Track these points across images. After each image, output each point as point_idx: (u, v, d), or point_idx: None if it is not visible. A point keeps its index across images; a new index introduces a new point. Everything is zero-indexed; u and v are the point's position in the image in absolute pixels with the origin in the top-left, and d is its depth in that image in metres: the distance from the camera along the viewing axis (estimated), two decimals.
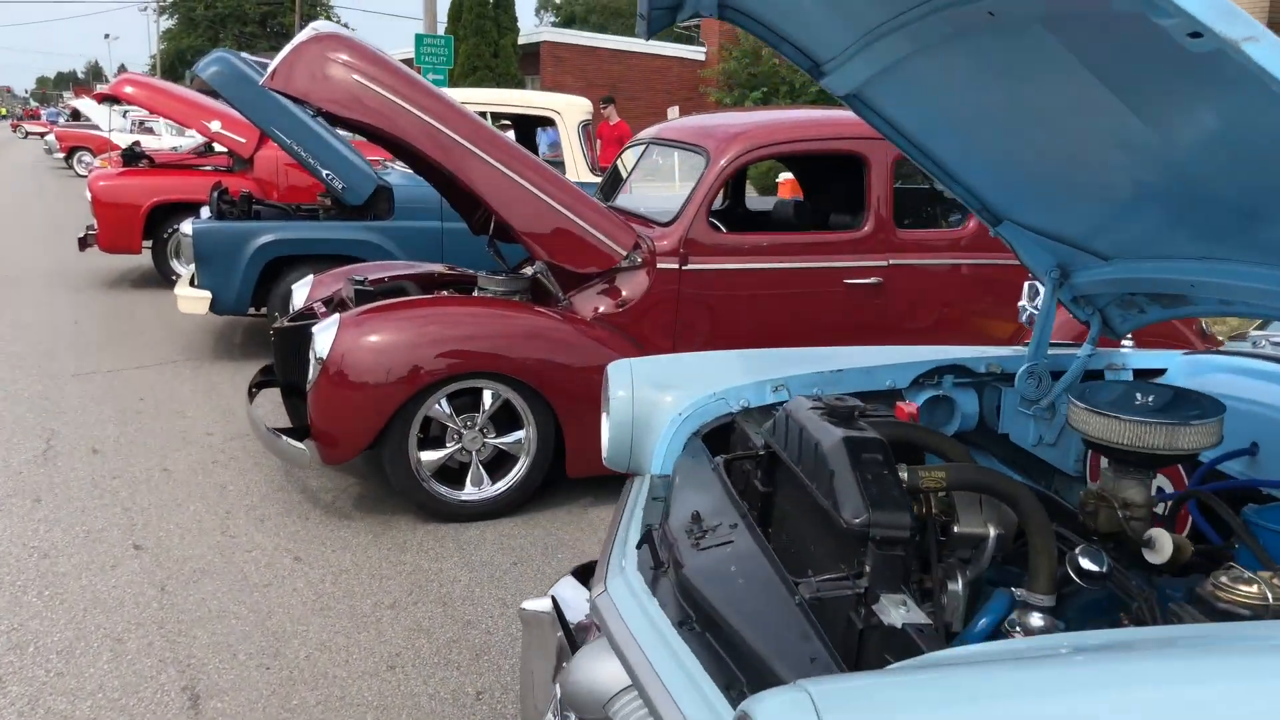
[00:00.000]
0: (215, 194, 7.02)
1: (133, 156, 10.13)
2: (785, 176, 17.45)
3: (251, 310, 6.87)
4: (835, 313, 4.58)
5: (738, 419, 2.32)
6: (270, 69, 4.33)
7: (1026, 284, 2.63)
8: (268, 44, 56.78)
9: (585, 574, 2.15)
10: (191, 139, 21.59)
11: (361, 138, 5.11)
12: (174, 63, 55.06)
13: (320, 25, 4.40)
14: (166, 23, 58.66)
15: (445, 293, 4.82)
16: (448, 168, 4.26)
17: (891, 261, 4.61)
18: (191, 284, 6.81)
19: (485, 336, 4.14)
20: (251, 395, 4.78)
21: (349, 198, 6.69)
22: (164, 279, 9.52)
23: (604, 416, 2.49)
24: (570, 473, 4.28)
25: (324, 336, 4.02)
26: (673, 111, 20.34)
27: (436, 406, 4.09)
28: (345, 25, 49.08)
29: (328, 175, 6.60)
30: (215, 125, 9.32)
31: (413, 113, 4.22)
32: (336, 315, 4.13)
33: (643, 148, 5.19)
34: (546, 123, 7.69)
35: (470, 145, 4.25)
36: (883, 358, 2.52)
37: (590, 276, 4.49)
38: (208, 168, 10.33)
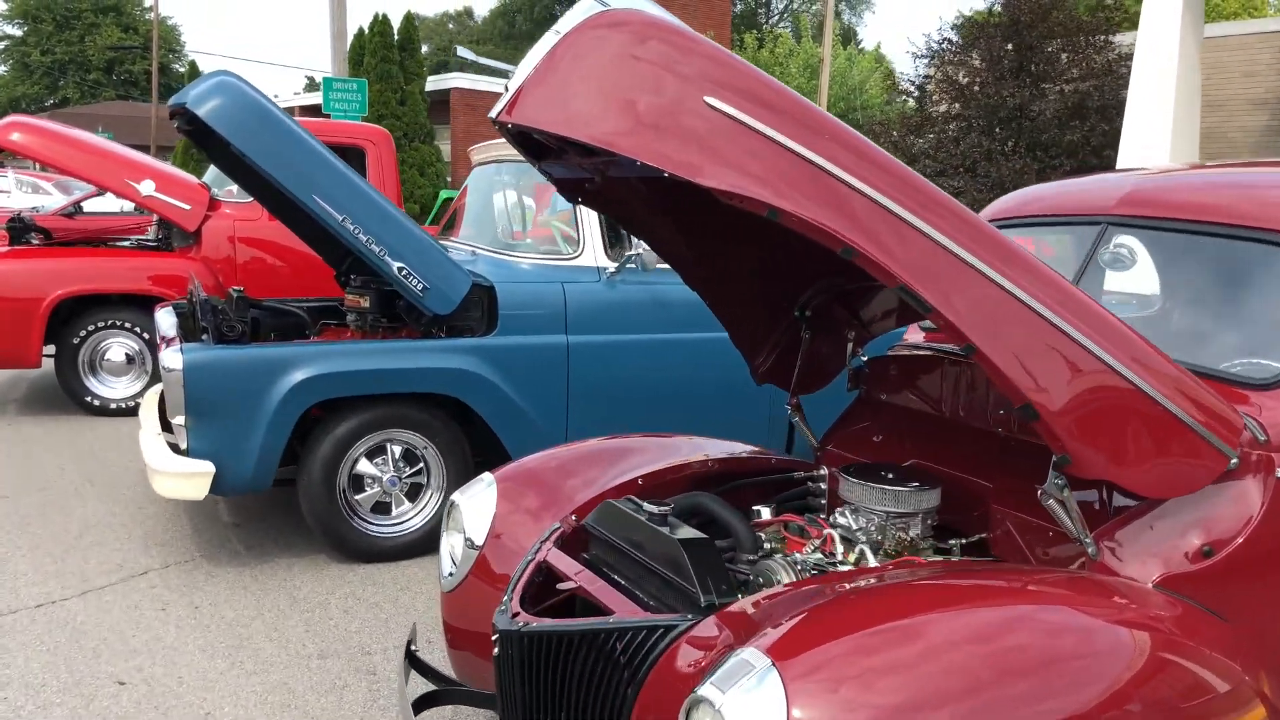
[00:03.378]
0: (197, 298, 4.48)
1: (21, 229, 7.29)
2: None
3: None
4: None
5: None
6: (513, 86, 2.00)
7: None
8: (115, 94, 51.96)
9: None
10: (49, 197, 18.26)
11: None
12: (5, 113, 50.02)
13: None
14: None
15: (811, 526, 2.50)
16: (923, 296, 1.99)
17: None
18: (169, 435, 4.25)
19: (1047, 676, 1.85)
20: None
21: (433, 304, 4.25)
22: (73, 401, 6.75)
23: None
24: None
25: (749, 706, 1.66)
26: None
27: None
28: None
29: (401, 270, 4.17)
30: (147, 187, 6.71)
31: (854, 185, 1.95)
32: (759, 652, 1.77)
33: (1096, 230, 2.93)
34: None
35: (974, 260, 2.00)
36: None
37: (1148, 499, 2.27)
38: (125, 242, 7.58)
